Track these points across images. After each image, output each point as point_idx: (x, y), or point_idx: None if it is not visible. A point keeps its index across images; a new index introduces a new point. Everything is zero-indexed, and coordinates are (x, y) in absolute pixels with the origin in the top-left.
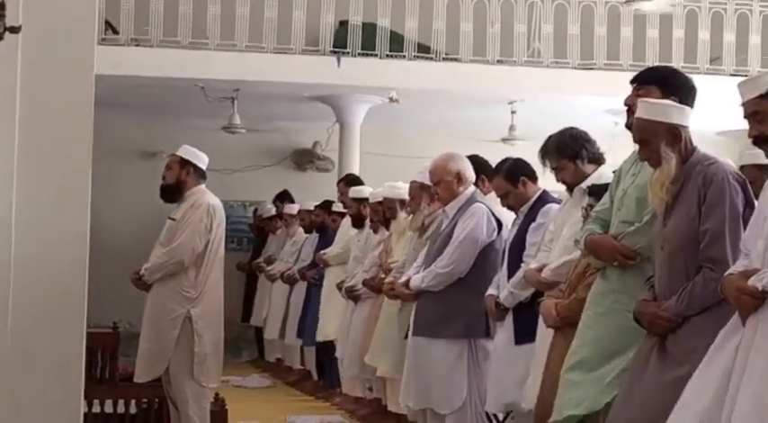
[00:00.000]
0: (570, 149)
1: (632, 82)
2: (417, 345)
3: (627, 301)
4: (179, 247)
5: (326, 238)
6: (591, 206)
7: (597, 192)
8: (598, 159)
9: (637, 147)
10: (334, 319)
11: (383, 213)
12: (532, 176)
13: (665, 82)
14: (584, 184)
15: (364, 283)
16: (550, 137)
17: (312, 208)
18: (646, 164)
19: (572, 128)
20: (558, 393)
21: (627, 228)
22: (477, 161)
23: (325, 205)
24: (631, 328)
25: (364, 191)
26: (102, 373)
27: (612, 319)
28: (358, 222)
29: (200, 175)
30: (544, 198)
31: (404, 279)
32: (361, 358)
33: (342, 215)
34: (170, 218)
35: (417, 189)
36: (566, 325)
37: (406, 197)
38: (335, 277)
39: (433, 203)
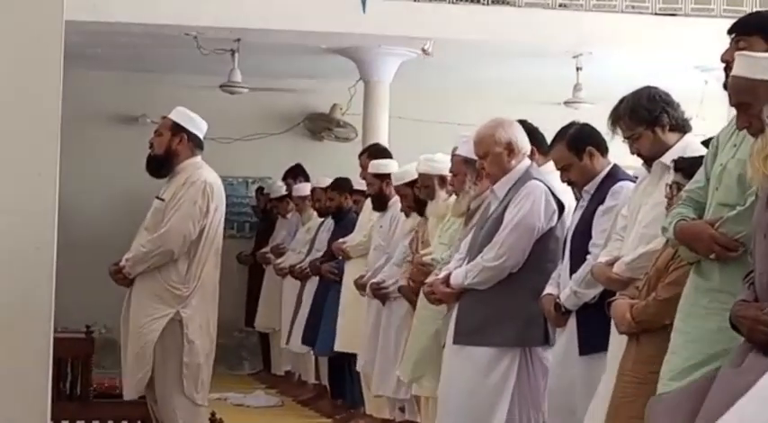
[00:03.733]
0: (648, 114)
1: (730, 32)
2: (458, 355)
3: (729, 301)
4: (168, 234)
5: (345, 223)
6: (678, 184)
7: (686, 166)
8: (682, 127)
9: (734, 111)
10: (357, 326)
11: (419, 192)
12: (602, 147)
13: None
14: (667, 158)
15: (401, 290)
16: (624, 99)
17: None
18: None
19: (650, 87)
20: None
21: (726, 212)
22: (526, 128)
23: (340, 184)
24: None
25: (387, 165)
26: (73, 387)
27: (710, 321)
28: (379, 204)
29: (197, 144)
30: (615, 175)
31: (443, 274)
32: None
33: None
34: (157, 197)
35: (461, 164)
36: (642, 331)
37: (447, 173)
38: (358, 272)
39: (480, 182)
